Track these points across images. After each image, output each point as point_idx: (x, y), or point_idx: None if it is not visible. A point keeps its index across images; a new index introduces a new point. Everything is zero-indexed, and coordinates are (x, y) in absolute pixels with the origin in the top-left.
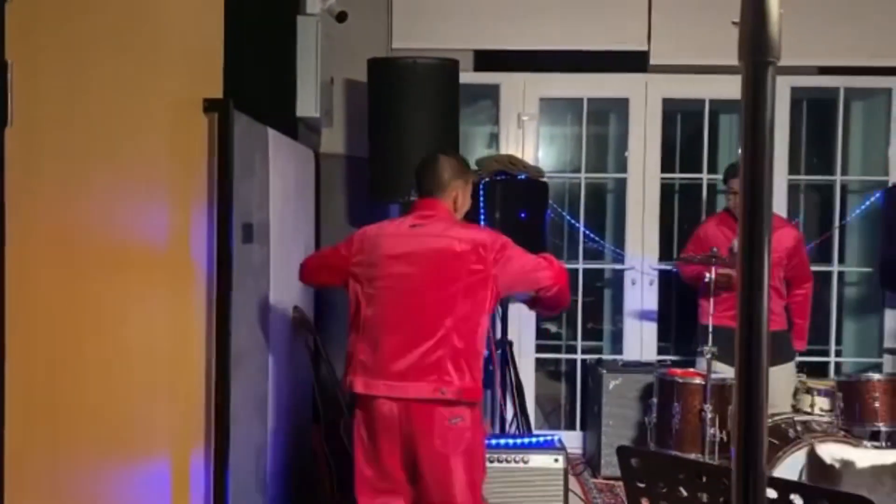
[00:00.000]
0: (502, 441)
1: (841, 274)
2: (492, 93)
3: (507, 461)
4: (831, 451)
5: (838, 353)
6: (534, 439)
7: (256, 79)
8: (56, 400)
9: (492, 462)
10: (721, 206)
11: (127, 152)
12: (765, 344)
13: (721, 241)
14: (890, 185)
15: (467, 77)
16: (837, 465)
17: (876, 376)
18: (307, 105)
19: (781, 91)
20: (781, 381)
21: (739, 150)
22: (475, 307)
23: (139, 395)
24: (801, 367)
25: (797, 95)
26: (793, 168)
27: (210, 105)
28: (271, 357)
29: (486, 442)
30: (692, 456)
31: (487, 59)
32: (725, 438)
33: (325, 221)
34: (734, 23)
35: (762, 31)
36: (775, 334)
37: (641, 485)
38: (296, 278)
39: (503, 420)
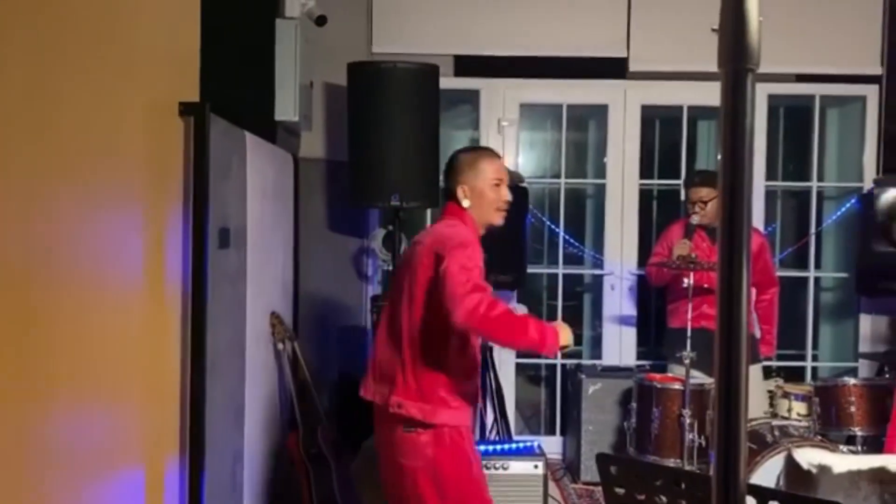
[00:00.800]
0: (482, 447)
1: (817, 279)
2: (472, 98)
3: (487, 467)
4: (808, 457)
5: (815, 358)
6: (514, 445)
7: (234, 82)
8: (26, 412)
9: None
10: None
11: (100, 157)
12: (744, 352)
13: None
14: (865, 191)
15: (448, 82)
16: (815, 471)
17: (852, 381)
18: (286, 109)
19: (759, 98)
20: (750, 381)
21: (719, 157)
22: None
23: (112, 405)
24: (779, 372)
25: (774, 103)
26: (770, 174)
27: (186, 108)
28: (248, 363)
29: None
30: (671, 461)
31: (468, 65)
32: (704, 443)
33: (304, 226)
34: (714, 30)
35: (741, 39)
36: None
37: (620, 491)
38: (274, 283)
39: (483, 426)
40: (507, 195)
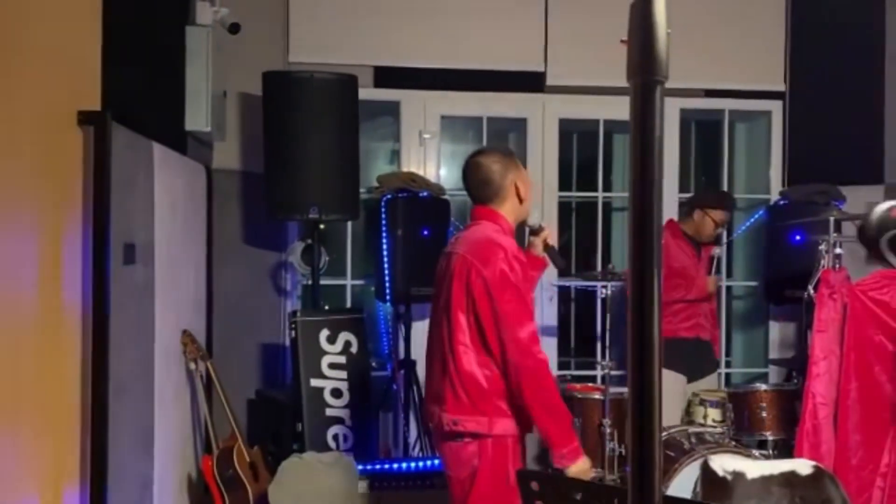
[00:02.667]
0: (405, 464)
1: (729, 288)
2: (393, 110)
3: (414, 485)
4: (723, 464)
5: (728, 365)
6: (437, 461)
7: (142, 91)
8: None
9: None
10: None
11: None
12: (657, 361)
13: (674, 252)
14: (771, 202)
15: (367, 93)
16: (729, 478)
17: (762, 387)
18: (197, 119)
19: (671, 112)
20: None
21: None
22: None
23: (2, 431)
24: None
25: (686, 116)
26: (683, 186)
27: (85, 117)
28: (158, 385)
29: (392, 466)
30: (593, 471)
31: (388, 76)
32: (625, 452)
33: (218, 240)
34: (622, 41)
35: (650, 51)
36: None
37: None
38: (185, 300)
39: (406, 442)
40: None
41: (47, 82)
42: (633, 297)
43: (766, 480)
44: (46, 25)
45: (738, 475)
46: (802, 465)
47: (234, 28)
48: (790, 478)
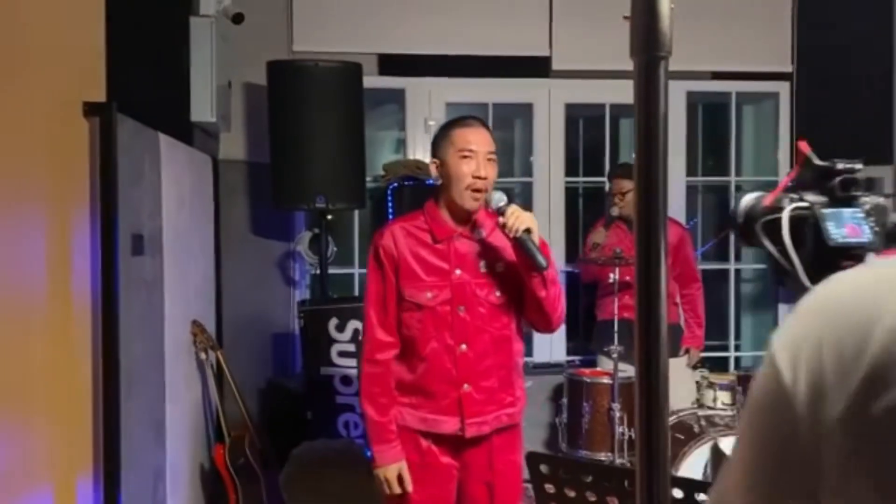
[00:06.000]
0: None
1: (738, 271)
2: (397, 97)
3: None
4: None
5: (737, 348)
6: None
7: (147, 82)
8: None
9: None
10: None
11: None
12: (664, 345)
13: (615, 242)
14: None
15: (372, 81)
16: None
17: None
18: (202, 109)
19: (678, 95)
20: (675, 373)
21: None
22: None
23: (15, 423)
24: (703, 363)
25: (693, 99)
26: (690, 170)
27: (91, 108)
28: (168, 375)
29: None
30: (603, 455)
31: (392, 64)
32: (634, 436)
33: (225, 230)
34: (625, 17)
35: (653, 27)
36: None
37: (551, 489)
38: (194, 290)
39: None
40: (480, 170)
41: (52, 74)
42: (638, 279)
43: None
44: (51, 17)
45: None
46: None
47: (238, 18)
48: None
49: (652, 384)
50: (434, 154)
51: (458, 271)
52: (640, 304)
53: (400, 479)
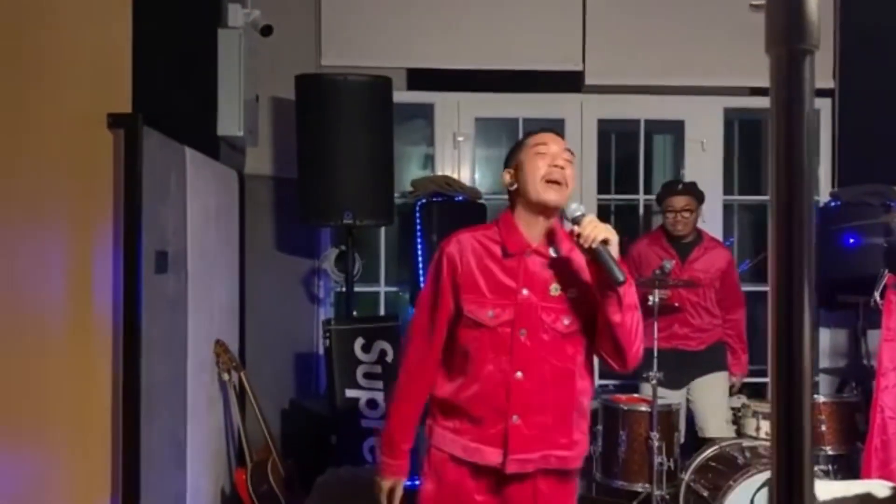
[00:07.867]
0: None
1: None
2: (426, 112)
3: None
4: None
5: None
6: None
7: (173, 95)
8: None
9: None
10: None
11: (16, 171)
12: (808, 388)
13: (653, 261)
14: (821, 204)
15: (400, 96)
16: None
17: (821, 398)
18: (230, 123)
19: (716, 111)
20: (718, 388)
21: (683, 171)
22: None
23: (32, 446)
24: (742, 389)
25: (729, 117)
26: (727, 188)
27: (116, 120)
28: (190, 397)
29: None
30: (640, 486)
31: (421, 78)
32: (673, 466)
33: (251, 247)
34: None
35: (797, 14)
36: (708, 350)
37: None
38: (218, 309)
39: None
40: (558, 160)
41: (78, 85)
42: (775, 314)
43: (839, 503)
44: (77, 28)
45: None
46: (879, 487)
47: (267, 30)
48: (866, 501)
49: (794, 431)
50: (507, 165)
51: (525, 291)
52: (780, 346)
53: (391, 494)
